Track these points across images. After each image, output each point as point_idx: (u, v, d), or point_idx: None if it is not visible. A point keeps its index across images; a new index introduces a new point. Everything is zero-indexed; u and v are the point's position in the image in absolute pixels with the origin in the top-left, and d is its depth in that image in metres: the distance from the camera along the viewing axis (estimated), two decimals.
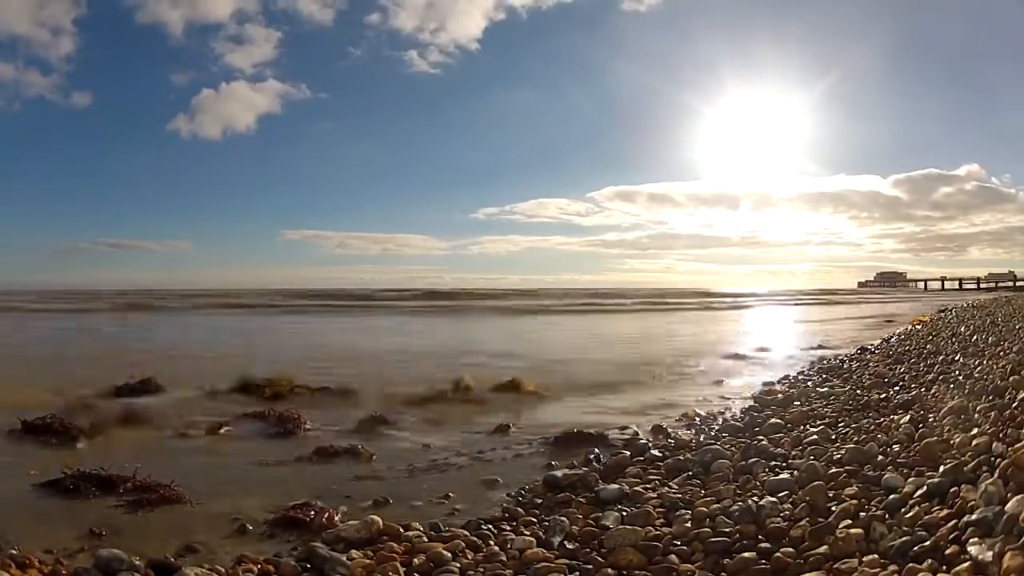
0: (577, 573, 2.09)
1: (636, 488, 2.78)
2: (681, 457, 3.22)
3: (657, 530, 2.33)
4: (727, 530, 2.22)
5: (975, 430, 2.66)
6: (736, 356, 8.21)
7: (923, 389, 4.36)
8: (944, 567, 1.69)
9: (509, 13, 43.64)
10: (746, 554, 2.04)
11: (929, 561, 1.74)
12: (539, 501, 2.82)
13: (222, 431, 4.27)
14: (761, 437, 3.53)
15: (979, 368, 4.58)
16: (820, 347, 8.73)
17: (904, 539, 1.89)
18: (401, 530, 2.45)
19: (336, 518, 2.64)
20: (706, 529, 2.26)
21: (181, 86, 48.67)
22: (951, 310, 15.73)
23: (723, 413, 4.62)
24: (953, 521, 1.88)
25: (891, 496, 2.26)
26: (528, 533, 2.40)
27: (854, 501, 2.27)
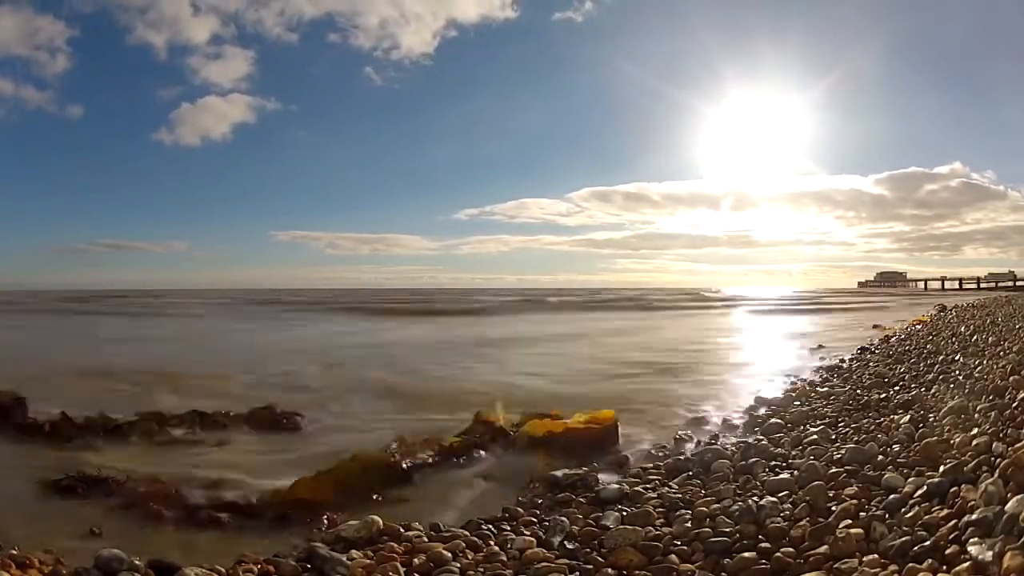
0: (577, 573, 2.09)
1: (636, 488, 2.78)
2: (681, 457, 3.23)
3: (657, 530, 2.33)
4: (727, 530, 2.22)
5: (975, 430, 2.66)
6: (737, 355, 8.21)
7: (923, 389, 4.36)
8: (944, 567, 1.69)
9: (460, 31, 48.55)
10: (746, 554, 2.04)
11: (929, 561, 1.74)
12: (539, 501, 2.82)
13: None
14: (761, 437, 3.53)
15: (979, 368, 4.58)
16: (820, 347, 8.72)
17: (904, 539, 1.89)
18: (401, 530, 2.45)
19: (336, 518, 2.64)
20: (706, 529, 2.26)
21: (166, 100, 56.76)
22: (951, 310, 15.73)
23: (724, 413, 4.62)
24: (953, 521, 1.88)
25: (891, 496, 2.26)
26: (528, 533, 2.40)
27: (854, 501, 2.27)
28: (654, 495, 2.70)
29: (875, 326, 12.92)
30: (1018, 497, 1.75)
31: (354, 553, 2.24)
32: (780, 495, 2.48)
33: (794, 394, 4.89)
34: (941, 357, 5.96)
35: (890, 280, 73.27)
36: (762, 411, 4.43)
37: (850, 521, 2.11)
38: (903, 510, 2.12)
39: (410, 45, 51.75)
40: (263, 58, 48.84)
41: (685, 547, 2.17)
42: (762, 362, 7.75)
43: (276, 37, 47.42)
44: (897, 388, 4.72)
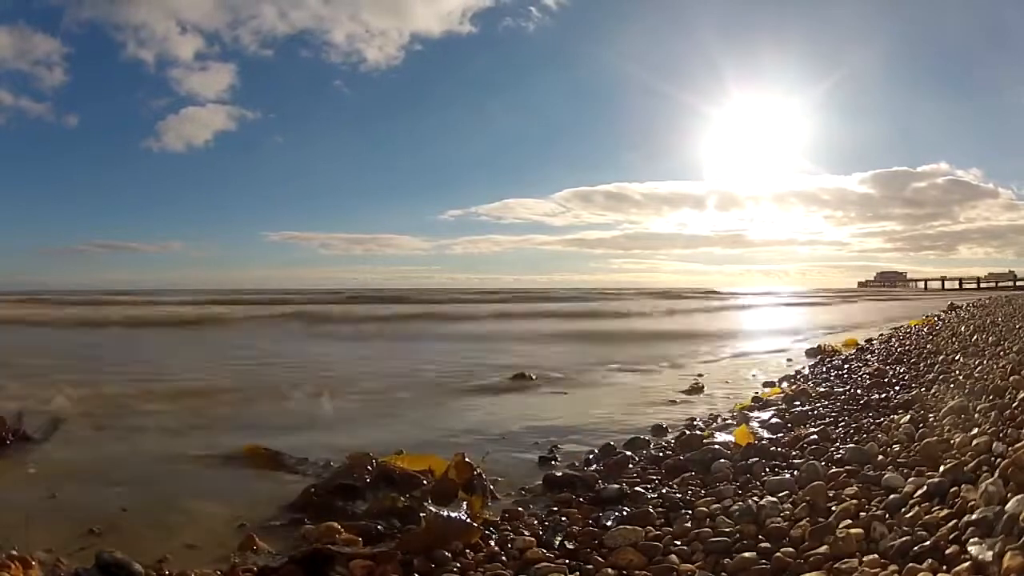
0: (577, 573, 2.09)
1: (636, 488, 2.78)
2: (681, 457, 3.22)
3: (657, 530, 2.33)
4: (727, 530, 2.22)
5: (975, 430, 2.66)
6: (738, 354, 8.21)
7: (923, 389, 4.36)
8: (944, 567, 1.69)
9: (425, 44, 55.46)
10: (746, 554, 2.04)
11: (929, 561, 1.74)
12: (539, 501, 2.82)
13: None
14: (761, 437, 3.53)
15: (979, 368, 4.58)
16: (820, 347, 8.71)
17: (904, 539, 1.89)
18: None
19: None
20: (706, 529, 2.26)
21: (155, 109, 64.07)
22: (951, 310, 15.73)
23: (723, 413, 4.62)
24: (953, 521, 1.88)
25: (891, 496, 2.26)
26: (528, 533, 2.40)
27: (854, 501, 2.27)
28: (654, 495, 2.70)
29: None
30: (1018, 497, 1.76)
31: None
32: (780, 495, 2.48)
33: (794, 394, 4.89)
34: (941, 357, 5.96)
35: (890, 280, 73.24)
36: (762, 411, 4.41)
37: (850, 521, 2.11)
38: (903, 510, 2.12)
39: (376, 59, 58.44)
40: (243, 72, 56.94)
41: (685, 547, 2.17)
42: (761, 362, 7.74)
43: (253, 53, 52.10)
44: (897, 388, 4.72)
